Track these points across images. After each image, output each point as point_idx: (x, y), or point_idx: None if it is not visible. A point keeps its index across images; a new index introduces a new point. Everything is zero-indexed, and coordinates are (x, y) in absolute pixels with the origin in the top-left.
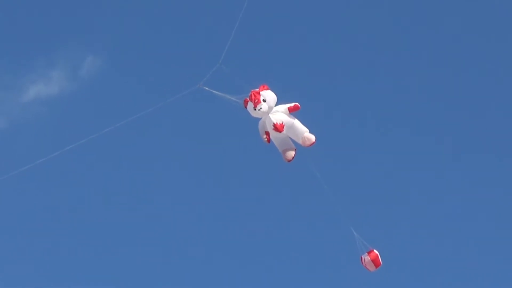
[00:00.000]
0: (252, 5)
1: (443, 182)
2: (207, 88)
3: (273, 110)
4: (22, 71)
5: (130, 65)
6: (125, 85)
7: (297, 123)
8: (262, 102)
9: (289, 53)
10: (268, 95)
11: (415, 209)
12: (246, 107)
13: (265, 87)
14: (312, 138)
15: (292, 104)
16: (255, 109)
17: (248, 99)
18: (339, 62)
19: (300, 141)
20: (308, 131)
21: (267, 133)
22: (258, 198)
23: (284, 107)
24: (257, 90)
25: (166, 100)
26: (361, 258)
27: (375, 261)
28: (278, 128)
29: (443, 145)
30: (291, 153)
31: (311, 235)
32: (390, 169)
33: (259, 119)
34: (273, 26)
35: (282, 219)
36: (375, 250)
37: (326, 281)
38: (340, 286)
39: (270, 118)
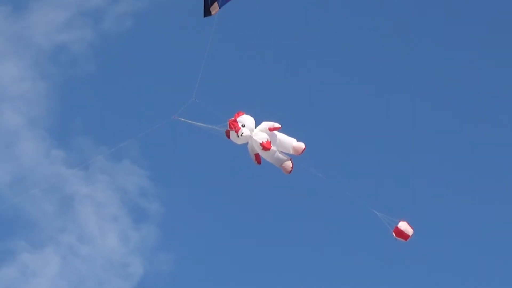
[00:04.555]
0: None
1: None
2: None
3: (255, 130)
4: None
5: None
6: None
7: (282, 136)
8: (241, 128)
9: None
10: (245, 120)
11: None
12: (229, 138)
13: (240, 113)
14: (302, 145)
15: (272, 125)
16: (238, 136)
17: (228, 129)
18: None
19: (291, 152)
20: (296, 140)
21: (257, 155)
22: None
23: (265, 125)
24: (233, 118)
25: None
26: (393, 232)
27: (405, 232)
28: (265, 146)
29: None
30: (289, 164)
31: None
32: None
33: (240, 145)
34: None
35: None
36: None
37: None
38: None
39: (255, 140)
